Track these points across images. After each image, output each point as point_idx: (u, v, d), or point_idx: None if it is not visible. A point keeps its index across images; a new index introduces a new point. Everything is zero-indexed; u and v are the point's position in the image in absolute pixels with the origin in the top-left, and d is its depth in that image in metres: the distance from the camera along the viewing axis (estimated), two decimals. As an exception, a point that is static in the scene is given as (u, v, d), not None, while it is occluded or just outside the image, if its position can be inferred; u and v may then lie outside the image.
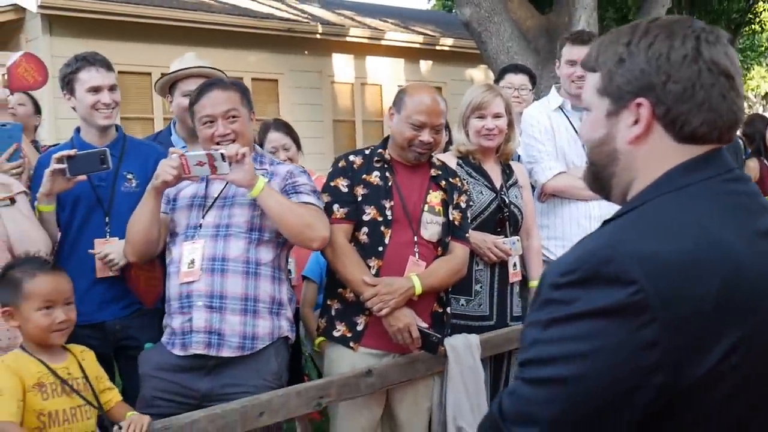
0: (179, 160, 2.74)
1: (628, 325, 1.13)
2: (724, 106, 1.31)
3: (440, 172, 3.21)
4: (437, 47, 13.19)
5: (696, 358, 1.14)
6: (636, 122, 1.32)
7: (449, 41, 13.23)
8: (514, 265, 3.54)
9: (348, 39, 12.18)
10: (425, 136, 3.04)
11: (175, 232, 2.91)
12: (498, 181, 3.55)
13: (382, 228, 3.03)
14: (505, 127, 3.51)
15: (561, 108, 4.01)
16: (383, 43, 12.56)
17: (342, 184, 3.08)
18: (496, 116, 3.48)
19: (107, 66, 3.31)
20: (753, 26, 17.21)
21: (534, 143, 3.89)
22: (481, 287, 3.46)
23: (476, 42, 8.72)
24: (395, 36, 12.76)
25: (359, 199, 3.05)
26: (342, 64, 12.37)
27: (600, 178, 1.44)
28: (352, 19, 13.42)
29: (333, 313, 3.09)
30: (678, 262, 1.16)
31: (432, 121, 3.04)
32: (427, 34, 13.39)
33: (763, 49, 19.53)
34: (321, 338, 3.16)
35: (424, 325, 3.02)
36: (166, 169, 2.75)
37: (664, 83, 1.29)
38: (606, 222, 1.34)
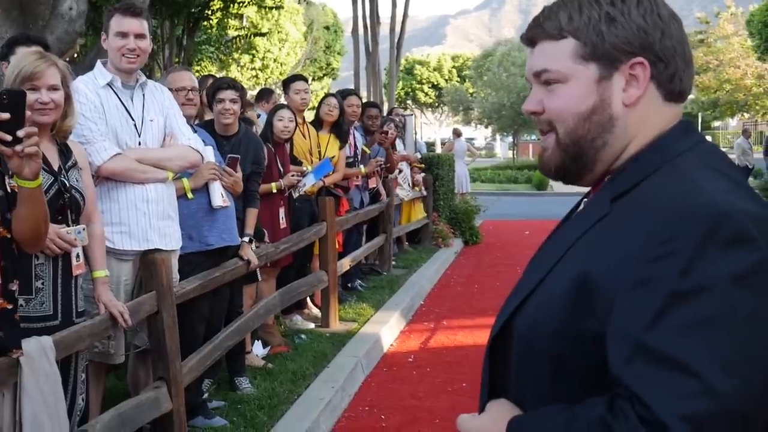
0: None
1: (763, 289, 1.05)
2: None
3: None
4: None
5: None
6: (627, 84, 1.25)
7: None
8: (77, 256, 3.20)
9: None
10: None
11: None
12: (56, 163, 3.15)
13: None
14: (62, 101, 3.13)
15: (110, 85, 3.73)
16: None
17: None
18: (52, 88, 3.07)
19: None
20: (211, 21, 18.18)
21: (85, 122, 3.54)
22: (42, 284, 3.05)
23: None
24: None
25: None
26: None
27: (582, 156, 1.28)
28: None
29: None
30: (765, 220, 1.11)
31: None
32: None
33: (214, 41, 20.66)
34: None
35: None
36: None
37: (660, 39, 1.24)
38: (618, 196, 1.22)
